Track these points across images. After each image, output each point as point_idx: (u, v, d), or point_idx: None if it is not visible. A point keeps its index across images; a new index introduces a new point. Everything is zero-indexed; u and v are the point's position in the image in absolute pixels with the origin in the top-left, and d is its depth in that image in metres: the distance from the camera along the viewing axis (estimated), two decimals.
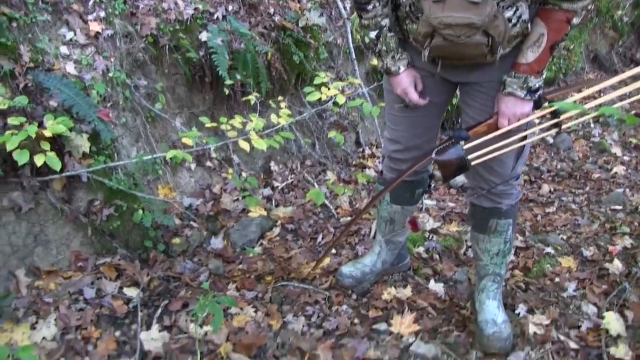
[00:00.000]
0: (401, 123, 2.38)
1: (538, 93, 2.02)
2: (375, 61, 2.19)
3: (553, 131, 2.10)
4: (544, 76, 2.01)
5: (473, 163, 2.08)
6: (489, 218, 2.38)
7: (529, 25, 1.94)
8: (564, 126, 2.06)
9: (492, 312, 2.42)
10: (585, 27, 7.07)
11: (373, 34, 2.16)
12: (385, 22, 2.12)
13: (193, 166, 3.45)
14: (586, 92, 2.10)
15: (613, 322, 2.43)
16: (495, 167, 2.21)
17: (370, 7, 2.09)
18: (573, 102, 2.03)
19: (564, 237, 3.29)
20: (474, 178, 2.33)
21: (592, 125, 5.51)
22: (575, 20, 1.92)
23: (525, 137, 2.08)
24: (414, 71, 2.20)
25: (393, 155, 2.48)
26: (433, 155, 2.08)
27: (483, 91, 2.14)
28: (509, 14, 1.89)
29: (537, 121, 2.08)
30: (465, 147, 2.07)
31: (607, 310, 2.53)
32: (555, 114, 2.03)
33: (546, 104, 2.04)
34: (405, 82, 2.20)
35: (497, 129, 2.07)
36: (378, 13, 2.10)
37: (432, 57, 2.02)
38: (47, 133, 2.43)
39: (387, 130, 2.50)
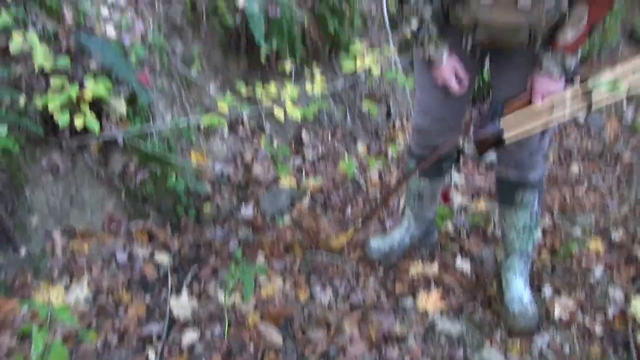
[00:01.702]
0: (432, 95, 2.37)
1: (571, 72, 2.04)
2: (410, 29, 2.18)
3: (584, 111, 2.13)
4: (579, 55, 2.04)
5: (508, 142, 2.14)
6: (515, 190, 2.40)
7: (568, 12, 1.94)
8: (595, 107, 2.10)
9: (518, 290, 2.44)
10: (622, 1, 6.90)
11: (414, 24, 2.15)
12: (427, 12, 2.11)
13: (226, 133, 3.47)
14: (620, 69, 2.09)
15: None
16: (522, 140, 2.21)
17: None
18: (606, 81, 2.04)
19: (593, 219, 3.27)
20: (502, 150, 2.34)
21: (625, 105, 5.42)
22: (616, 5, 1.92)
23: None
24: (454, 60, 2.21)
25: (423, 127, 2.47)
26: (471, 134, 2.16)
27: (515, 64, 2.15)
28: (549, 5, 1.88)
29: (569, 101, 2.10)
30: (502, 123, 2.13)
31: (635, 296, 2.53)
32: (587, 93, 2.07)
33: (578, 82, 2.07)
34: (448, 72, 2.21)
35: (531, 104, 2.11)
36: (420, 3, 2.10)
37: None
38: (87, 95, 2.46)
39: (417, 101, 2.50)
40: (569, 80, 2.07)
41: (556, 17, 1.94)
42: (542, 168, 2.39)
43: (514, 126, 2.14)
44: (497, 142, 2.18)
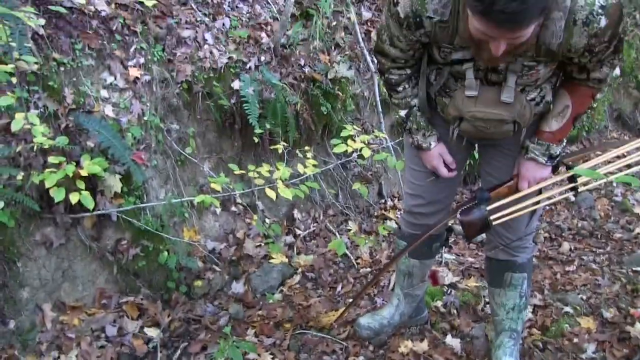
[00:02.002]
0: (423, 178, 2.43)
1: (557, 159, 2.11)
2: (399, 117, 2.29)
3: (570, 194, 2.19)
4: (564, 144, 2.11)
5: (494, 223, 2.14)
6: (504, 271, 2.42)
7: (552, 104, 2.04)
8: (581, 189, 2.15)
9: None
10: (609, 87, 7.11)
11: (403, 113, 2.26)
12: (415, 102, 2.22)
13: (218, 211, 3.51)
14: (609, 154, 2.16)
15: None
16: (511, 224, 2.25)
17: (400, 88, 2.20)
18: (593, 166, 2.09)
19: (584, 297, 3.27)
20: (491, 233, 2.38)
21: (614, 184, 5.50)
22: (599, 96, 2.01)
23: (540, 200, 2.16)
24: (442, 147, 2.29)
25: (414, 210, 2.52)
26: (458, 216, 2.15)
27: (503, 152, 2.23)
28: (533, 95, 1.98)
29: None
30: (488, 208, 2.13)
31: None
32: (572, 177, 2.11)
33: (563, 168, 2.12)
34: (435, 158, 2.29)
35: (517, 190, 2.15)
36: (408, 94, 2.21)
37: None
38: (84, 172, 2.53)
39: (407, 185, 2.56)
40: (556, 167, 2.14)
41: (540, 109, 2.03)
42: (531, 250, 2.44)
43: (501, 210, 2.16)
44: (484, 226, 2.19)
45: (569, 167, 2.13)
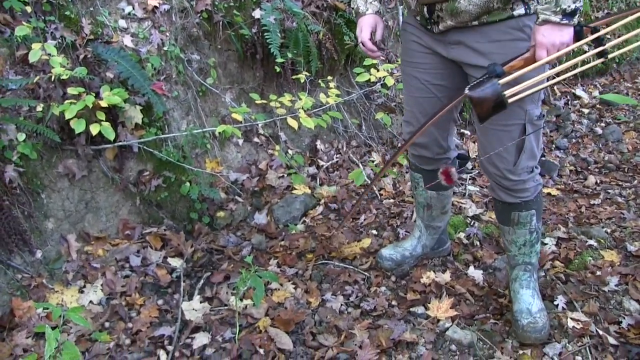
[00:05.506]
0: (412, 104, 2.39)
1: (576, 17, 1.85)
2: None
3: (598, 61, 1.96)
4: None
5: (510, 100, 1.95)
6: (510, 211, 2.35)
7: None
8: (610, 53, 1.92)
9: (526, 301, 2.40)
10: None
11: None
12: None
13: (241, 141, 3.50)
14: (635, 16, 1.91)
15: None
16: (497, 163, 2.19)
17: None
18: (623, 40, 1.93)
19: (608, 231, 3.24)
20: (485, 172, 2.32)
21: None
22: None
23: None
24: (379, 18, 2.29)
25: (408, 138, 2.47)
26: (467, 91, 1.95)
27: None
28: None
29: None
30: (501, 82, 1.93)
31: None
32: (599, 41, 1.89)
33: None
34: (365, 23, 2.27)
35: (535, 62, 1.92)
36: None
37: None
38: (103, 103, 2.52)
39: (404, 112, 2.52)
40: (578, 38, 1.88)
41: None
42: (534, 188, 2.31)
43: (517, 83, 1.95)
44: (499, 104, 1.94)
45: (594, 30, 1.89)
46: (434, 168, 2.45)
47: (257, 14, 3.44)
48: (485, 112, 1.95)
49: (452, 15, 2.00)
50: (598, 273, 2.79)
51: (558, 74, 2.04)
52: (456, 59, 2.15)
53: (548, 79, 2.03)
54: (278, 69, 3.47)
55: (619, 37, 1.97)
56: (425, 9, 2.05)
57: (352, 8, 2.33)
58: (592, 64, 2.00)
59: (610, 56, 1.93)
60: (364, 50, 2.33)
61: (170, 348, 2.26)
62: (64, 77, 2.43)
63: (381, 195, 3.63)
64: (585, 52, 1.97)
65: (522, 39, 1.99)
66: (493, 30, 2.01)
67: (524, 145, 2.14)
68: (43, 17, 2.62)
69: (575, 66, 2.03)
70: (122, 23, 2.90)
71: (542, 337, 2.33)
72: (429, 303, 2.55)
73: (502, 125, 2.11)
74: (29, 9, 2.47)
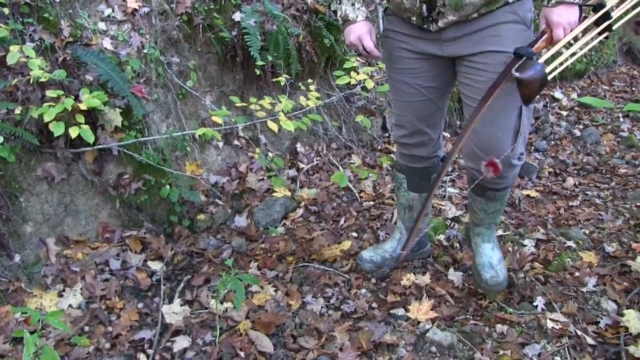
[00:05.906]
0: (404, 108, 2.40)
1: None
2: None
3: (604, 35, 2.07)
4: None
5: (549, 77, 2.00)
6: (486, 189, 2.40)
7: None
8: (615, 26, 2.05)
9: (487, 254, 2.54)
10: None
11: None
12: None
13: (221, 144, 3.50)
14: None
15: (633, 320, 2.41)
16: (491, 147, 2.18)
17: None
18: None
19: (587, 232, 3.27)
20: (470, 158, 2.31)
21: (621, 119, 5.45)
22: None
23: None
24: (370, 24, 2.23)
25: (401, 141, 2.52)
26: (516, 74, 1.93)
27: (478, 67, 2.12)
28: None
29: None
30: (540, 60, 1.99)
31: (628, 308, 2.52)
32: (606, 17, 2.00)
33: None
34: (362, 29, 2.20)
35: (553, 42, 2.02)
36: None
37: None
38: (83, 106, 2.50)
39: (393, 116, 2.53)
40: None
41: None
42: (511, 179, 2.37)
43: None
44: (544, 83, 1.97)
45: (596, 8, 2.00)
46: (425, 166, 2.56)
47: (237, 16, 3.44)
48: (534, 92, 1.98)
49: (456, 9, 2.02)
50: (577, 274, 2.82)
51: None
52: (453, 54, 2.17)
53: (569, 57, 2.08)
54: (258, 72, 3.47)
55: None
56: (424, 7, 2.06)
57: (339, 16, 2.25)
58: (598, 39, 2.12)
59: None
60: (364, 55, 2.29)
61: (150, 352, 2.25)
62: (43, 79, 2.41)
63: (361, 197, 3.64)
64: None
65: (516, 21, 2.07)
66: (489, 18, 2.06)
67: (520, 129, 2.18)
68: (21, 19, 2.60)
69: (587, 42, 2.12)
70: (101, 25, 2.88)
71: (503, 287, 2.52)
72: (409, 305, 2.56)
73: (503, 110, 2.13)
74: (6, 10, 2.45)
